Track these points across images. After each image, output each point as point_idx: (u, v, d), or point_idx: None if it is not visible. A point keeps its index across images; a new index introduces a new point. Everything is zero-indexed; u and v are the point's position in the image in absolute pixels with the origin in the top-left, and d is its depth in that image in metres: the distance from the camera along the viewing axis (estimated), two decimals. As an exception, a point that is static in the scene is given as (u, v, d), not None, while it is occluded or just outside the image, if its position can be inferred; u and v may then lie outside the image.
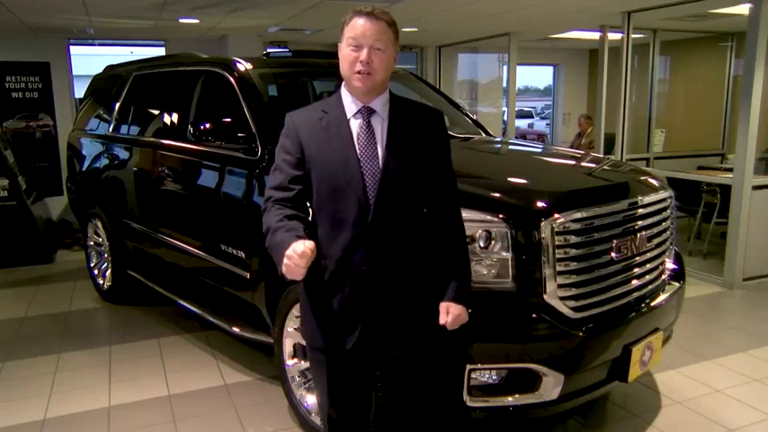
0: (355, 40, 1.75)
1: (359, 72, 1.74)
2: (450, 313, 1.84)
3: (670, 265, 2.94)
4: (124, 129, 4.49)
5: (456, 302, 1.85)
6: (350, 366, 1.88)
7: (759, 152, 5.06)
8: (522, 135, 13.32)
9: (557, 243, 2.33)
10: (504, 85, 9.12)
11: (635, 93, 7.10)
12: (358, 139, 1.79)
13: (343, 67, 1.79)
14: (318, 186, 1.80)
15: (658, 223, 2.76)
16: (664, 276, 2.86)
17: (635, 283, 2.61)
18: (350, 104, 1.82)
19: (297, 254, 1.58)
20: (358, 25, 1.75)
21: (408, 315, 1.85)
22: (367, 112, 1.81)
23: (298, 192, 1.82)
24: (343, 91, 1.85)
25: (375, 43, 1.74)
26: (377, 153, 1.78)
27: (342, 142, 1.78)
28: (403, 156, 1.79)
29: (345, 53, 1.77)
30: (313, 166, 1.80)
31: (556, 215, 2.34)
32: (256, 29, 7.41)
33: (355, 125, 1.81)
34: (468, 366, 2.29)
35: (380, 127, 1.81)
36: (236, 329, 3.26)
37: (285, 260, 1.60)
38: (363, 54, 1.73)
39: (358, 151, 1.78)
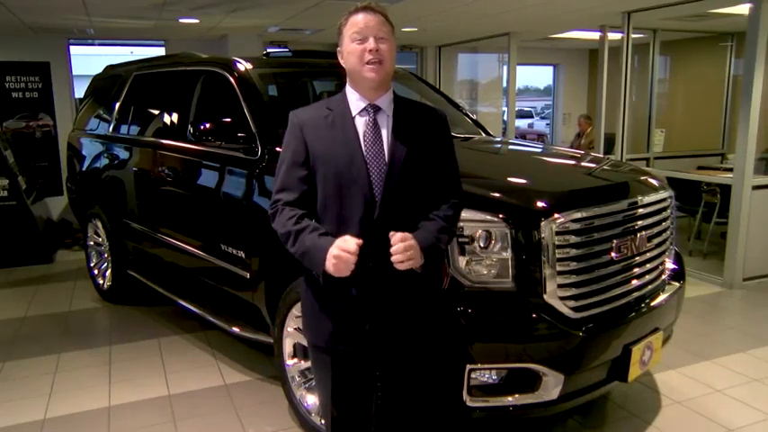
0: (359, 33, 1.76)
1: (369, 62, 1.76)
2: (404, 238, 1.69)
3: (670, 265, 2.94)
4: (124, 129, 4.49)
5: (419, 242, 1.72)
6: (354, 366, 1.88)
7: (759, 152, 5.06)
8: (522, 135, 13.32)
9: (557, 243, 2.33)
10: (504, 85, 9.12)
11: (635, 93, 7.09)
12: (364, 136, 1.80)
13: (352, 62, 1.79)
14: (324, 184, 1.80)
15: (658, 223, 2.76)
16: (664, 276, 2.86)
17: (635, 283, 2.61)
18: (355, 102, 1.83)
19: (350, 251, 1.66)
20: (359, 20, 1.77)
21: (413, 313, 1.85)
22: (373, 110, 1.82)
23: (304, 192, 1.82)
24: (349, 89, 1.86)
25: (379, 33, 1.77)
26: (383, 150, 1.79)
27: (348, 139, 1.79)
28: (408, 153, 1.80)
29: (352, 48, 1.78)
30: (319, 164, 1.81)
31: (556, 215, 2.34)
32: (256, 29, 7.41)
33: (361, 122, 1.81)
34: (468, 366, 2.29)
35: (386, 124, 1.82)
36: (236, 329, 3.26)
37: (334, 260, 1.67)
38: (371, 43, 1.75)
39: (364, 148, 1.78)
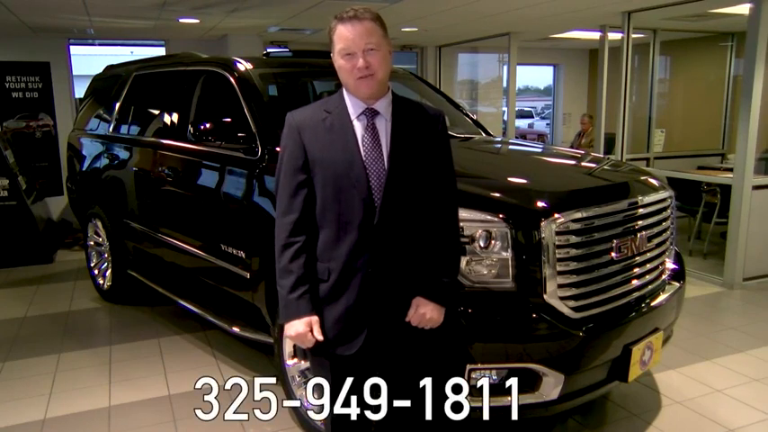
0: (347, 49, 1.74)
1: (360, 78, 1.74)
2: (417, 311, 1.83)
3: (670, 264, 2.94)
4: (124, 129, 4.49)
5: (429, 300, 1.84)
6: (353, 368, 1.88)
7: (759, 152, 5.06)
8: (522, 135, 13.31)
9: (557, 243, 2.33)
10: (504, 85, 9.13)
11: (635, 93, 7.10)
12: (363, 140, 1.78)
13: (344, 77, 1.78)
14: (323, 188, 1.79)
15: (658, 223, 2.76)
16: (664, 276, 2.86)
17: (635, 282, 2.61)
18: (353, 105, 1.82)
19: (306, 343, 1.81)
20: (344, 33, 1.74)
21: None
22: (371, 114, 1.80)
23: (305, 198, 1.80)
24: (345, 92, 1.84)
25: (367, 45, 1.73)
26: (382, 155, 1.78)
27: (347, 144, 1.77)
28: (407, 157, 1.79)
29: (341, 64, 1.77)
30: (317, 167, 1.79)
31: (556, 215, 2.34)
32: (256, 29, 7.41)
33: (359, 126, 1.80)
34: (469, 366, 2.29)
35: (384, 128, 1.81)
36: (236, 329, 3.26)
37: (296, 332, 1.80)
38: (360, 61, 1.73)
39: (363, 153, 1.77)
